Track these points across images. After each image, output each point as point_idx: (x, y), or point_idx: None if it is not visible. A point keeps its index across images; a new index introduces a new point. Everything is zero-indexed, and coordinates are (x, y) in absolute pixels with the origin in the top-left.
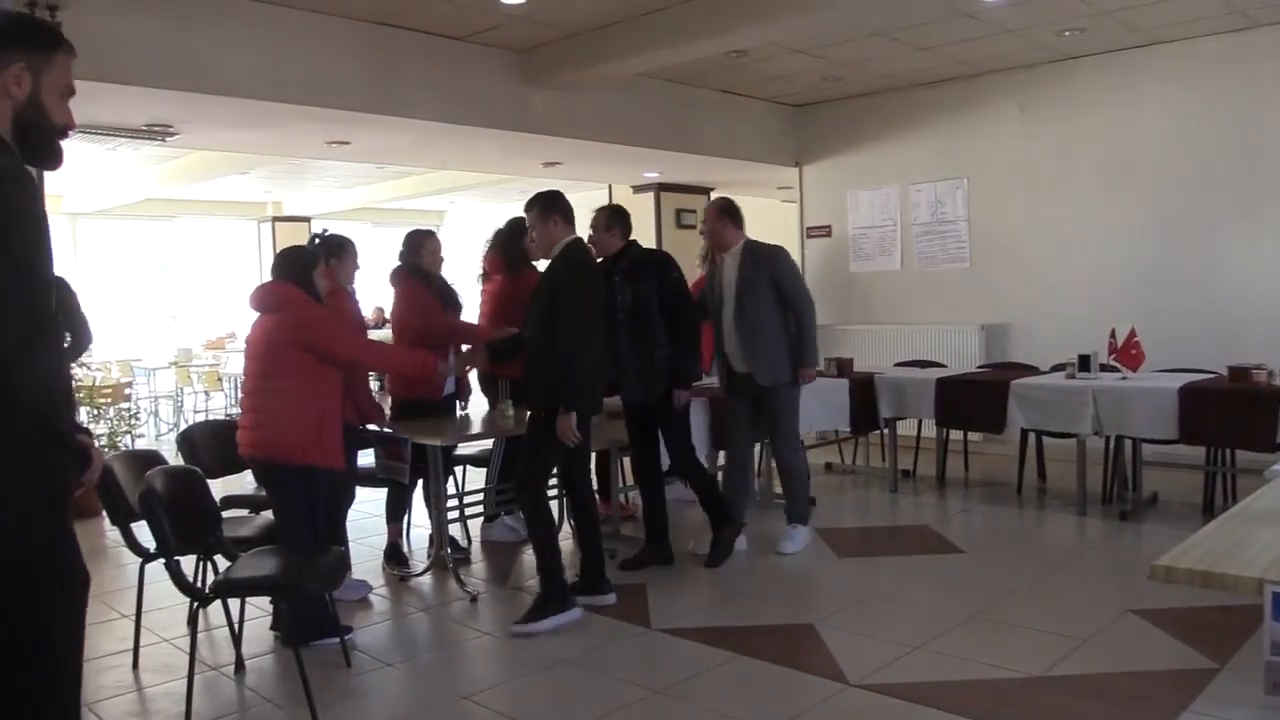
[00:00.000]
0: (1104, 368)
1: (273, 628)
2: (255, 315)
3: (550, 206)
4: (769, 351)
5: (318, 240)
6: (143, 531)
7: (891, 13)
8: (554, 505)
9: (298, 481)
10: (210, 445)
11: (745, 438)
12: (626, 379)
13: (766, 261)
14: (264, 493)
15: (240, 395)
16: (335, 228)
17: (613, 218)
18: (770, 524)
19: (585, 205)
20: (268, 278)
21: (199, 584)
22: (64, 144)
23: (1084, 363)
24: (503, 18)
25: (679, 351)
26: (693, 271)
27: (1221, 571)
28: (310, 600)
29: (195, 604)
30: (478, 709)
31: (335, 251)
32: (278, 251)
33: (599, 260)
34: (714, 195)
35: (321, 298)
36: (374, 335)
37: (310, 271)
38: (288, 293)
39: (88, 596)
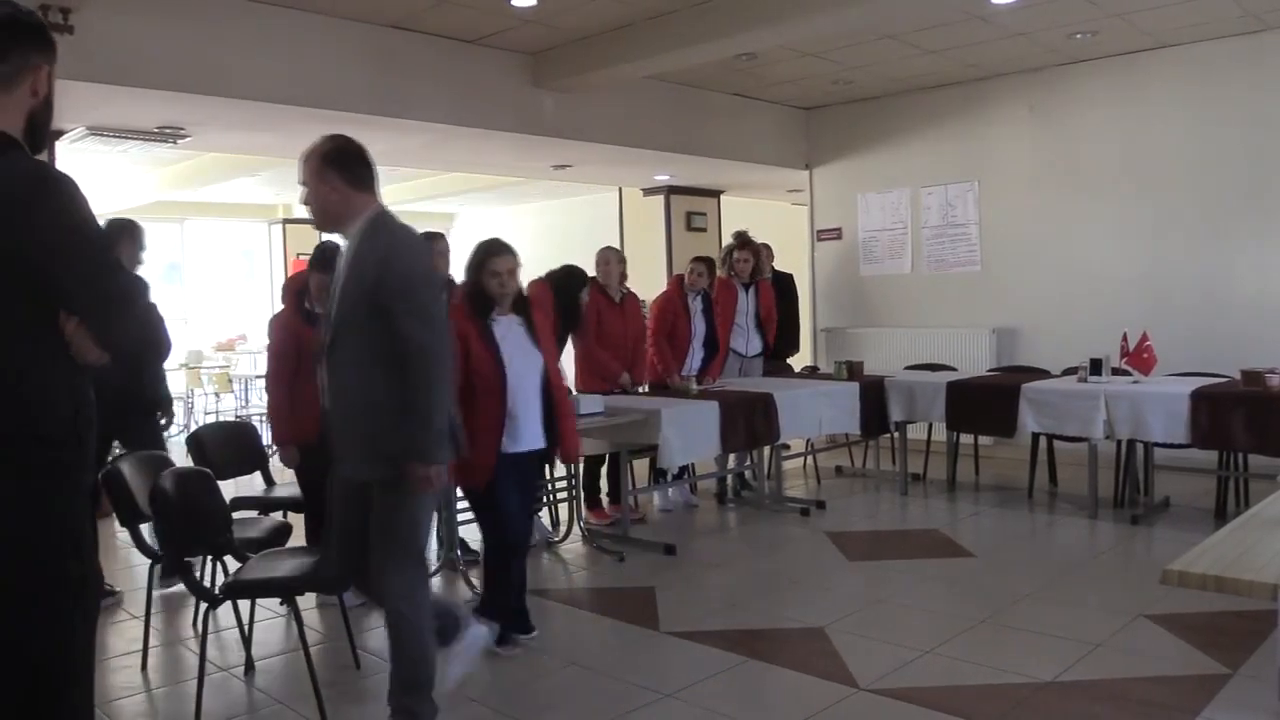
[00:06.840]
0: (1116, 371)
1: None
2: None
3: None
4: (362, 419)
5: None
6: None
7: (902, 16)
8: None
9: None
10: (220, 446)
11: (357, 547)
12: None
13: (375, 255)
14: (276, 494)
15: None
16: None
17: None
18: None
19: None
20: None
21: (210, 585)
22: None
23: (1095, 366)
24: (513, 21)
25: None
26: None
27: (1234, 577)
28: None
29: (205, 605)
30: (487, 711)
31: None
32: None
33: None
34: (722, 198)
35: None
36: None
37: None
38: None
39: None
